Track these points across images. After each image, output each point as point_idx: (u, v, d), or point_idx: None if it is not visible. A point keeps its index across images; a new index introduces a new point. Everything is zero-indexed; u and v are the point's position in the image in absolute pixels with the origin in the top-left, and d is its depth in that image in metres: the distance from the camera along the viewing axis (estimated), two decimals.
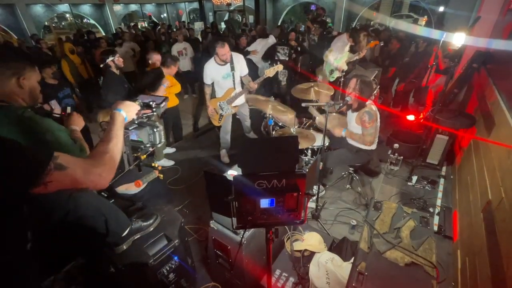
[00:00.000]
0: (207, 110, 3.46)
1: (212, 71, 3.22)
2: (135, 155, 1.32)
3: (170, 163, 3.84)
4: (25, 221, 0.92)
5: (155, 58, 3.60)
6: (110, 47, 5.88)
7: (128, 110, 1.18)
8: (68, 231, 1.41)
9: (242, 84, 3.45)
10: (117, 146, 1.02)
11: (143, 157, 1.34)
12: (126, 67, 5.91)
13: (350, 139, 2.65)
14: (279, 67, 3.34)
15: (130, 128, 1.28)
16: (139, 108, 1.26)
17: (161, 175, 1.59)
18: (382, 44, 5.30)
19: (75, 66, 5.41)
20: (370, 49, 5.90)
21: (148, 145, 1.34)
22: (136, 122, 1.32)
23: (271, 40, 5.62)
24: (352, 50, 4.33)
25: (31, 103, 1.33)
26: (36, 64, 1.34)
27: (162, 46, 6.82)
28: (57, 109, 3.02)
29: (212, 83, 3.33)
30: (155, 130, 1.34)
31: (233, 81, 3.28)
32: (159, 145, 1.37)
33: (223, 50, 3.00)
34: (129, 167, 1.30)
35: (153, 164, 1.44)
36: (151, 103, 1.35)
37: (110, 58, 3.17)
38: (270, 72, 3.22)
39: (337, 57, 4.27)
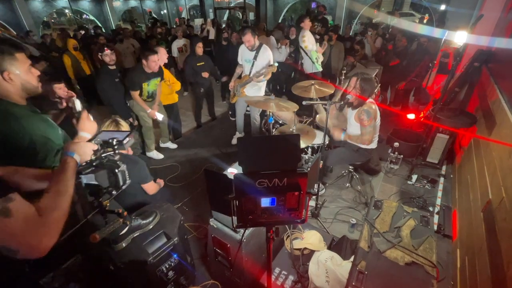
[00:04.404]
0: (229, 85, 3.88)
1: (241, 52, 3.60)
2: (96, 201, 1.13)
3: (160, 156, 3.89)
4: None
5: (161, 54, 3.58)
6: (109, 44, 5.86)
7: (83, 152, 1.03)
8: (68, 223, 1.37)
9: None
10: (67, 202, 0.85)
11: (106, 203, 1.14)
12: (127, 63, 5.90)
13: (350, 141, 2.65)
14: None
15: (84, 172, 1.07)
16: (96, 147, 1.12)
17: (128, 222, 1.35)
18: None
19: (77, 61, 5.42)
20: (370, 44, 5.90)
21: (110, 189, 1.16)
22: (93, 164, 1.12)
23: (272, 41, 5.59)
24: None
25: (29, 95, 1.24)
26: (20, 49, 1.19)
27: (160, 43, 6.78)
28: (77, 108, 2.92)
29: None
30: (116, 171, 1.13)
31: (251, 68, 3.47)
32: (123, 187, 1.17)
33: (245, 37, 3.29)
34: (84, 218, 1.11)
35: (117, 210, 1.24)
36: (111, 140, 1.18)
37: (99, 54, 3.31)
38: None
39: (313, 43, 4.39)
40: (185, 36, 6.50)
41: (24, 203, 0.72)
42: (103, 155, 1.14)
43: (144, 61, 3.19)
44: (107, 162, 1.13)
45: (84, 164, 1.06)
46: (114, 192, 1.16)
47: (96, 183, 1.08)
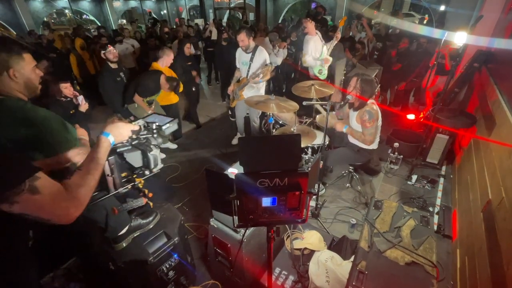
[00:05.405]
0: (228, 89, 3.85)
1: (238, 55, 3.58)
2: (129, 177, 1.21)
3: (162, 156, 3.91)
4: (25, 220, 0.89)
5: (170, 57, 3.63)
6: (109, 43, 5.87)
7: (118, 133, 1.09)
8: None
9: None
10: (95, 179, 0.93)
11: (139, 180, 1.22)
12: (127, 63, 5.91)
13: (351, 136, 2.65)
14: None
15: (118, 150, 1.16)
16: (134, 128, 1.16)
17: (151, 203, 1.43)
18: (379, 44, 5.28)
19: (83, 61, 5.50)
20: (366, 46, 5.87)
21: (143, 169, 1.24)
22: (132, 143, 1.19)
23: (266, 42, 5.53)
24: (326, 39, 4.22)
25: (29, 95, 1.28)
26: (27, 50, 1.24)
27: (167, 43, 6.76)
28: (83, 106, 2.96)
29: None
30: (149, 154, 1.19)
31: (248, 70, 3.46)
32: (154, 171, 1.24)
33: (239, 36, 3.30)
34: (115, 190, 1.18)
35: (144, 190, 1.32)
36: (151, 124, 1.24)
37: (102, 52, 3.37)
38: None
39: (317, 56, 4.06)
40: (185, 36, 6.50)
41: (49, 181, 0.81)
42: (142, 136, 1.21)
43: (167, 84, 3.30)
44: (145, 143, 1.21)
45: (124, 142, 1.14)
46: (147, 173, 1.24)
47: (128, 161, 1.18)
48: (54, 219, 0.81)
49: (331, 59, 4.12)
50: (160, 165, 1.27)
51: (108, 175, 1.16)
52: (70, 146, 1.38)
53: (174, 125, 1.34)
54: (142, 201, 1.34)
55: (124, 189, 1.21)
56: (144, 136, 1.22)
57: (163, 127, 1.28)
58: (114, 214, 1.30)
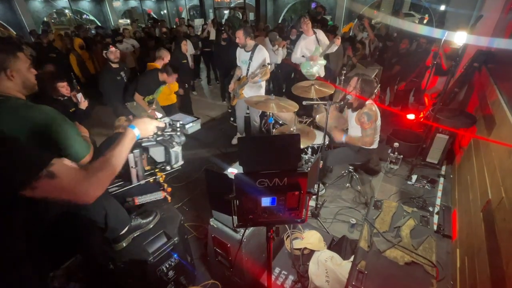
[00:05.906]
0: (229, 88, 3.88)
1: (238, 53, 3.60)
2: (152, 170, 1.28)
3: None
4: (18, 220, 0.91)
5: (168, 58, 3.65)
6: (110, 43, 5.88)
7: (144, 128, 1.16)
8: (68, 222, 1.38)
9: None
10: (114, 166, 0.98)
11: (160, 174, 1.30)
12: (127, 63, 5.92)
13: (352, 143, 2.65)
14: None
15: (143, 144, 1.23)
16: (160, 125, 1.22)
17: (169, 197, 1.50)
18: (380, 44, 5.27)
19: (83, 60, 5.52)
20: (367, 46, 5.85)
21: (165, 164, 1.31)
22: (157, 139, 1.27)
23: (267, 42, 5.54)
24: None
25: (27, 93, 1.29)
26: (19, 49, 1.26)
27: (165, 43, 6.75)
28: (83, 103, 2.95)
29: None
30: (171, 150, 1.27)
31: (247, 69, 3.48)
32: (175, 166, 1.32)
33: (237, 33, 3.36)
34: (137, 182, 1.24)
35: (163, 185, 1.39)
36: (175, 122, 1.30)
37: (104, 52, 3.43)
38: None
39: (307, 55, 3.99)
40: (186, 36, 6.51)
41: (64, 165, 0.87)
42: (166, 133, 1.27)
43: (164, 74, 3.30)
44: (168, 140, 1.28)
45: (149, 137, 1.21)
46: (168, 168, 1.31)
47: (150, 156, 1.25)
48: (73, 199, 0.87)
49: (321, 60, 3.99)
50: (181, 162, 1.33)
51: (132, 167, 1.23)
52: (75, 141, 1.39)
53: (197, 125, 1.42)
54: (161, 194, 1.40)
55: (144, 182, 1.29)
56: (169, 133, 1.29)
57: (187, 126, 1.35)
58: (135, 204, 1.41)
